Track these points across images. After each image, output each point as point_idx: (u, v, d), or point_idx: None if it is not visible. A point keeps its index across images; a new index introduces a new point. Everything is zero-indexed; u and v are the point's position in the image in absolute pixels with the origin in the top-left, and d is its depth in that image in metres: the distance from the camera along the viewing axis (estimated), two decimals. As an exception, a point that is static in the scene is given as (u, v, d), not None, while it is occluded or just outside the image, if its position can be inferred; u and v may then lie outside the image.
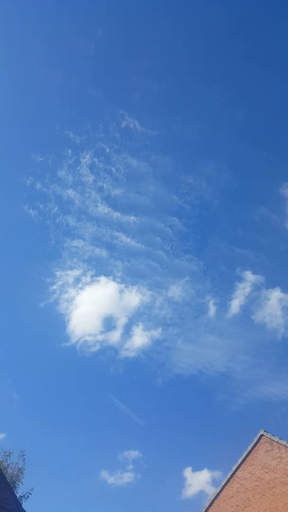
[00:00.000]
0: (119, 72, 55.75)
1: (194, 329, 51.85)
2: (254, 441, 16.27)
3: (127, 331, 50.06)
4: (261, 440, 16.13)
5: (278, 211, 53.66)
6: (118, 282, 51.52)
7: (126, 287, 51.94)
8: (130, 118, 53.73)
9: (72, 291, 50.83)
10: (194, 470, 45.06)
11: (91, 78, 56.27)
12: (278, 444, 15.49)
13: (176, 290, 51.45)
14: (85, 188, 53.65)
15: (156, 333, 50.84)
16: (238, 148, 56.29)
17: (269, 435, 15.94)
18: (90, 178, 53.21)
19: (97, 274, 53.28)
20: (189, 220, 56.04)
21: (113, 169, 53.29)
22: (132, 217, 53.91)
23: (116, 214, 53.48)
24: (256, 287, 49.29)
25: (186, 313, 52.85)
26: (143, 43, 54.94)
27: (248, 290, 48.74)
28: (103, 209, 53.60)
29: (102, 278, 50.72)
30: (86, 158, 52.47)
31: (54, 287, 50.08)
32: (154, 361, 50.67)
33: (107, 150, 52.79)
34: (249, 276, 49.73)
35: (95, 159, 52.90)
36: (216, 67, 55.61)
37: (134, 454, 43.94)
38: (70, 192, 52.78)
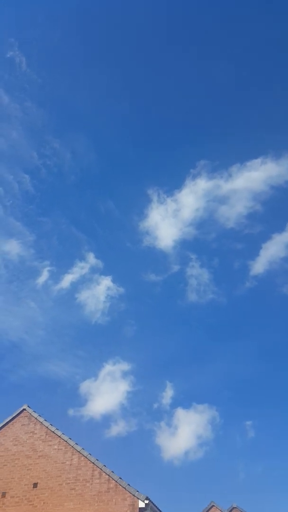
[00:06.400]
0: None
1: (17, 292, 49.88)
2: (15, 414, 16.25)
3: None
4: (22, 414, 16.24)
5: (125, 210, 56.40)
6: None
7: None
8: (19, 51, 50.24)
9: None
10: None
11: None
12: (35, 420, 15.81)
13: (13, 248, 49.18)
14: None
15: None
16: (111, 134, 57.24)
17: (30, 411, 16.16)
18: None
19: None
20: (40, 184, 54.62)
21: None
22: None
23: None
24: (93, 270, 50.88)
25: (16, 274, 50.79)
26: None
27: (86, 270, 49.99)
28: None
29: None
30: None
31: None
32: None
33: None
34: (91, 258, 51.18)
35: None
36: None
37: None
38: None
